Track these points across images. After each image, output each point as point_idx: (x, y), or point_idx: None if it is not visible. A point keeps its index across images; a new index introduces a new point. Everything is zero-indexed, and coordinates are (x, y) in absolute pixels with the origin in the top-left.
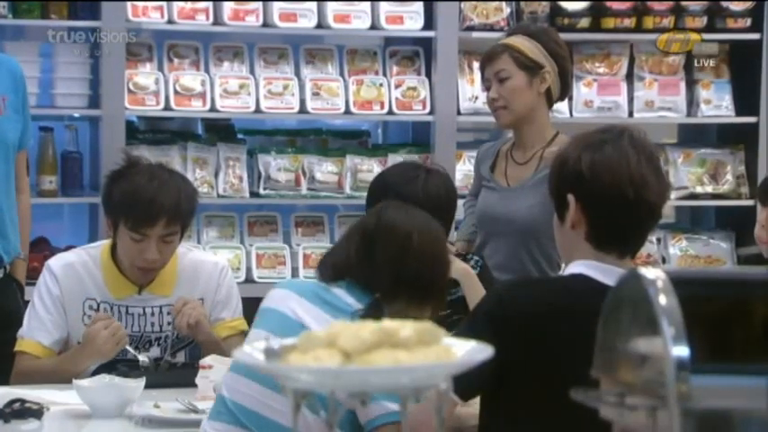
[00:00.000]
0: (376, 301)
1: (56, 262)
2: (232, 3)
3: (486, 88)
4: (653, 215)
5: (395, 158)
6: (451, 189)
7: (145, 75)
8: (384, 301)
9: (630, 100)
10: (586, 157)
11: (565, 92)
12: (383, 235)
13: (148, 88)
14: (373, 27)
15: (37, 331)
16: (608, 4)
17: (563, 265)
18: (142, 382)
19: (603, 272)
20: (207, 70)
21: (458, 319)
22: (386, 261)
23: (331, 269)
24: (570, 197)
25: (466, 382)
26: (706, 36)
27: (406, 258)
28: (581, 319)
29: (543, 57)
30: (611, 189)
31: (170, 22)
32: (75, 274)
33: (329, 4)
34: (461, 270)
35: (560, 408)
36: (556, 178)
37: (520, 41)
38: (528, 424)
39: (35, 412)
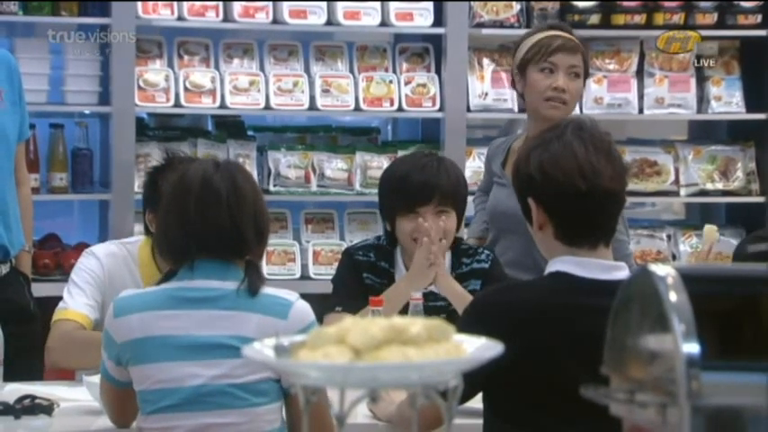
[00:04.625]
0: (252, 265)
1: (100, 249)
2: (242, 0)
3: (542, 70)
4: (613, 201)
5: (404, 155)
6: (462, 174)
7: (155, 72)
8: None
9: (641, 97)
10: (534, 158)
11: None
12: (231, 198)
13: (158, 85)
14: (383, 24)
15: (82, 305)
16: (618, 0)
17: None
18: None
19: (580, 265)
20: (217, 67)
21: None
22: (248, 217)
23: (183, 254)
24: (530, 200)
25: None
26: (716, 33)
27: (257, 203)
28: (567, 315)
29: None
30: (562, 185)
31: (180, 19)
32: (117, 264)
33: (339, 1)
34: (450, 290)
35: (558, 403)
36: (516, 184)
37: (582, 45)
38: (526, 423)
39: (45, 408)
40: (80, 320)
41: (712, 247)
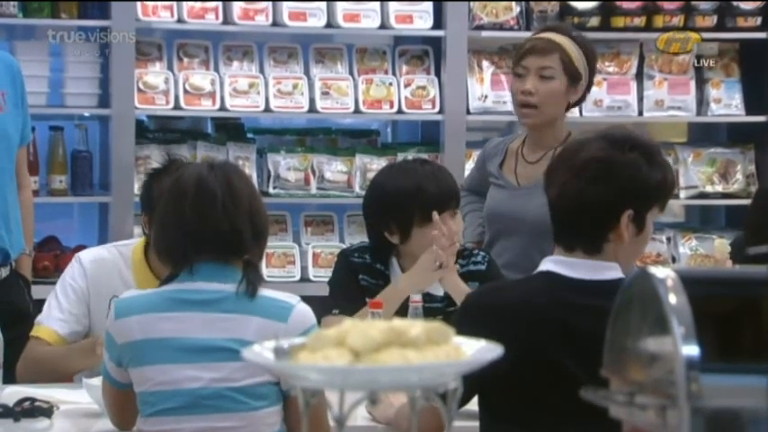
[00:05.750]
0: (251, 265)
1: (87, 255)
2: (242, 2)
3: (516, 75)
4: (555, 211)
5: (404, 157)
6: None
7: (154, 74)
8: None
9: (640, 99)
10: None
11: (580, 102)
12: (226, 195)
13: (158, 87)
14: (383, 26)
15: (55, 320)
16: (618, 3)
17: None
18: None
19: (565, 264)
20: (216, 69)
21: (454, 311)
22: (244, 215)
23: (182, 256)
24: None
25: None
26: (716, 35)
27: (253, 201)
28: (554, 313)
29: (583, 68)
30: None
31: (180, 21)
32: (104, 270)
33: (339, 3)
34: (457, 289)
35: (555, 402)
36: None
37: (570, 46)
38: (524, 423)
39: (45, 411)
40: (48, 338)
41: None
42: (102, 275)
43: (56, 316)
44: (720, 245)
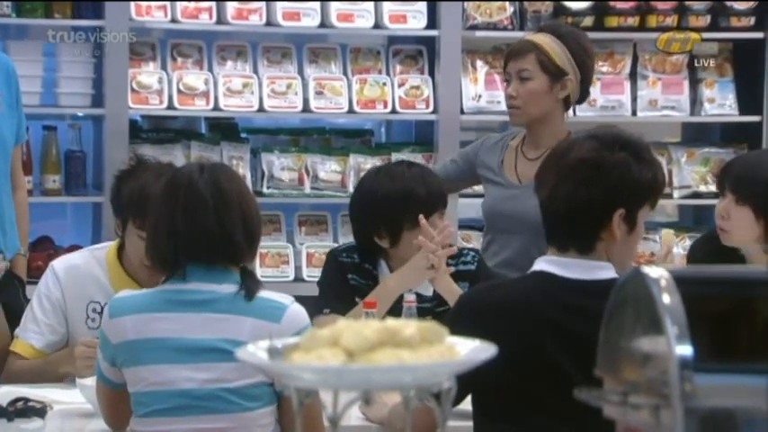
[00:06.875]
0: (247, 271)
1: (59, 264)
2: (235, 2)
3: (506, 81)
4: (546, 213)
5: (398, 157)
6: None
7: (148, 74)
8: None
9: (634, 99)
10: None
11: (583, 98)
12: (214, 201)
13: (152, 87)
14: (376, 26)
15: (31, 333)
16: (611, 2)
17: None
18: None
19: (558, 264)
20: (210, 69)
21: (444, 311)
22: (235, 224)
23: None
24: None
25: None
26: (709, 35)
27: (247, 208)
28: (547, 312)
29: (569, 63)
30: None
31: (173, 21)
32: (78, 277)
33: (332, 3)
34: (449, 291)
35: (550, 401)
36: None
37: (549, 43)
38: (518, 422)
39: (38, 411)
40: (24, 353)
41: (670, 250)
42: (76, 282)
43: (31, 329)
44: (667, 234)
